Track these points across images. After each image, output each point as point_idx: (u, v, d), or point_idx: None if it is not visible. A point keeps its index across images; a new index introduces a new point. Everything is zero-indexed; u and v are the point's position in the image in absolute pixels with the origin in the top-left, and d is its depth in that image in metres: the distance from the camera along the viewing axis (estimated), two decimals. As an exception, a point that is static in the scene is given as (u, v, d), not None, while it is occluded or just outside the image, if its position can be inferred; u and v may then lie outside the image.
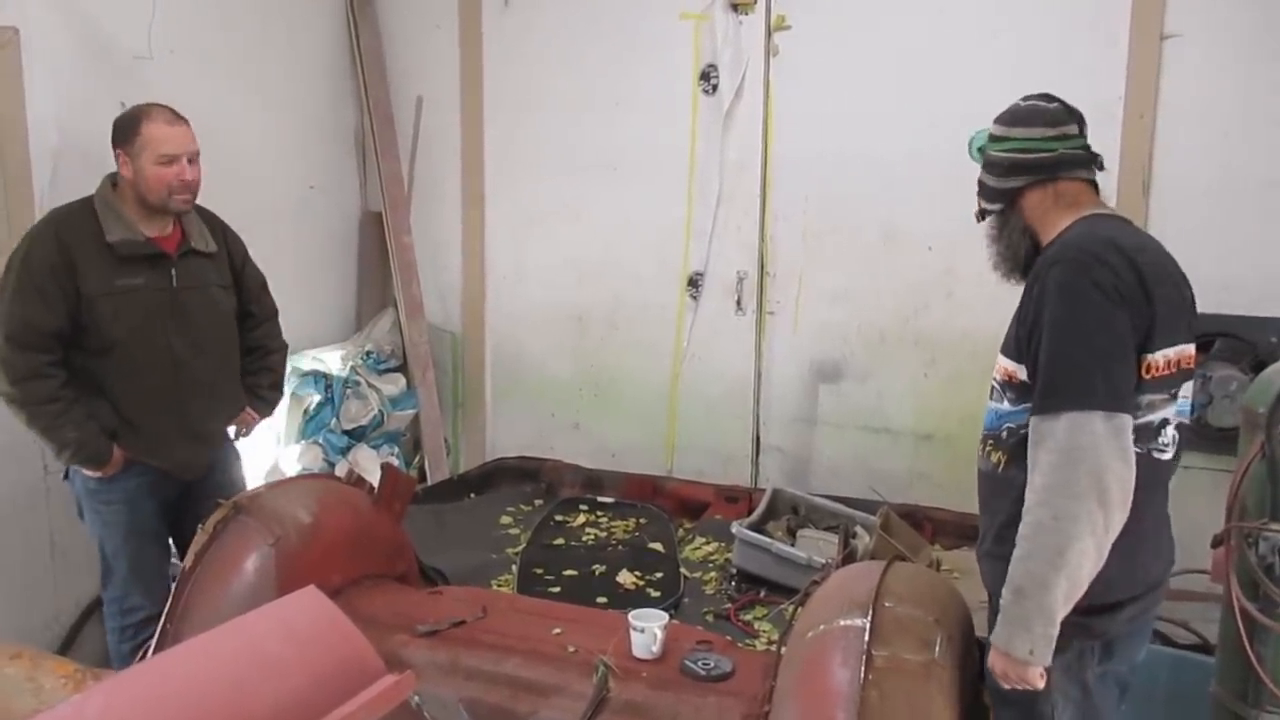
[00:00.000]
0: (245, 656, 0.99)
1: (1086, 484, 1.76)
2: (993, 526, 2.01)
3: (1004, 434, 1.98)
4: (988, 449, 2.04)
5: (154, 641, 2.47)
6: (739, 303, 4.32)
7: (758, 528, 3.44)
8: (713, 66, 4.23)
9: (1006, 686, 1.88)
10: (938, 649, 1.98)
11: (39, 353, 2.70)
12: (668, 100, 4.33)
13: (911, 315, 4.07)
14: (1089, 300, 1.83)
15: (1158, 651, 2.88)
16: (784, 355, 4.30)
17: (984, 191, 2.13)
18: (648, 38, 4.33)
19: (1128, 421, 1.80)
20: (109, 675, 1.19)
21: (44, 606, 3.36)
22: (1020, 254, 2.09)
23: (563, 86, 4.51)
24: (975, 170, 4.08)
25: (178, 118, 2.83)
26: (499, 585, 3.24)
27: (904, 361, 4.10)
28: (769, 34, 4.13)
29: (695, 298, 4.41)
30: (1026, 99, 2.13)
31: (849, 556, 2.61)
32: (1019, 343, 1.95)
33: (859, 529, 3.48)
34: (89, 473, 2.83)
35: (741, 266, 4.30)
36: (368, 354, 4.58)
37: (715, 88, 4.24)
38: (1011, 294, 4.17)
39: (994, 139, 2.11)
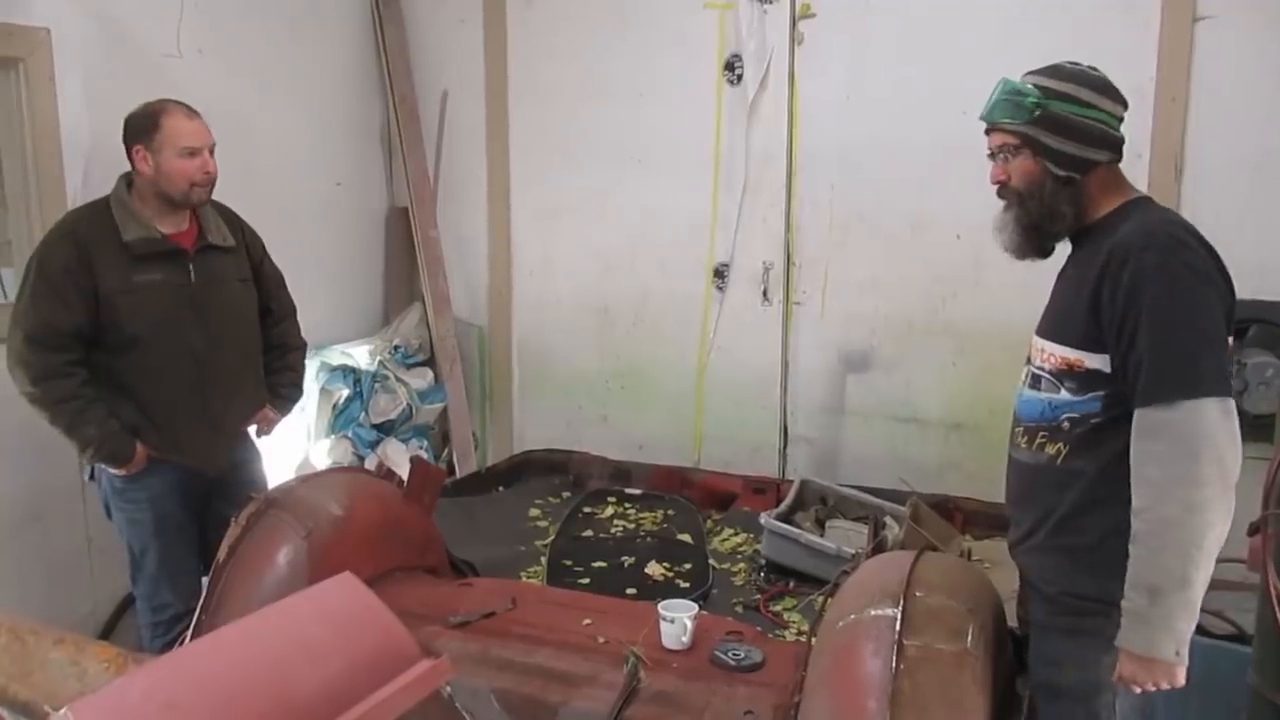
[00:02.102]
0: (285, 641, 1.00)
1: (1211, 472, 1.72)
2: (1047, 520, 1.97)
3: (1064, 425, 1.92)
4: (1039, 441, 1.97)
5: (189, 634, 2.50)
6: (765, 293, 4.30)
7: (786, 518, 3.43)
8: (737, 56, 4.22)
9: (1138, 690, 1.83)
10: (970, 638, 1.96)
11: (57, 352, 2.71)
12: (692, 91, 4.32)
13: (940, 304, 4.04)
14: (1188, 284, 1.79)
15: (1193, 641, 2.84)
16: (811, 345, 4.28)
17: (1050, 154, 1.93)
18: (672, 28, 4.32)
19: (1234, 404, 1.77)
20: (151, 659, 1.21)
21: (81, 601, 3.41)
22: (1063, 231, 2.00)
23: (587, 79, 4.51)
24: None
25: (194, 112, 2.85)
26: (528, 577, 3.25)
27: (932, 351, 4.07)
28: (794, 22, 4.11)
29: (721, 289, 4.40)
30: (1079, 65, 1.99)
31: (879, 546, 2.59)
32: (1088, 329, 1.88)
33: (889, 519, 3.46)
34: (114, 471, 2.85)
35: (767, 257, 4.29)
36: (395, 348, 4.61)
37: (740, 78, 4.22)
38: (1041, 281, 4.13)
39: (1075, 101, 1.93)
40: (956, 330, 4.02)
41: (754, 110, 4.22)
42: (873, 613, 1.99)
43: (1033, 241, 2.03)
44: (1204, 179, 3.53)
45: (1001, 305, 3.92)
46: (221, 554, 2.47)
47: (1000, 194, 2.04)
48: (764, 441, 4.40)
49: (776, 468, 4.36)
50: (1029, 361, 2.07)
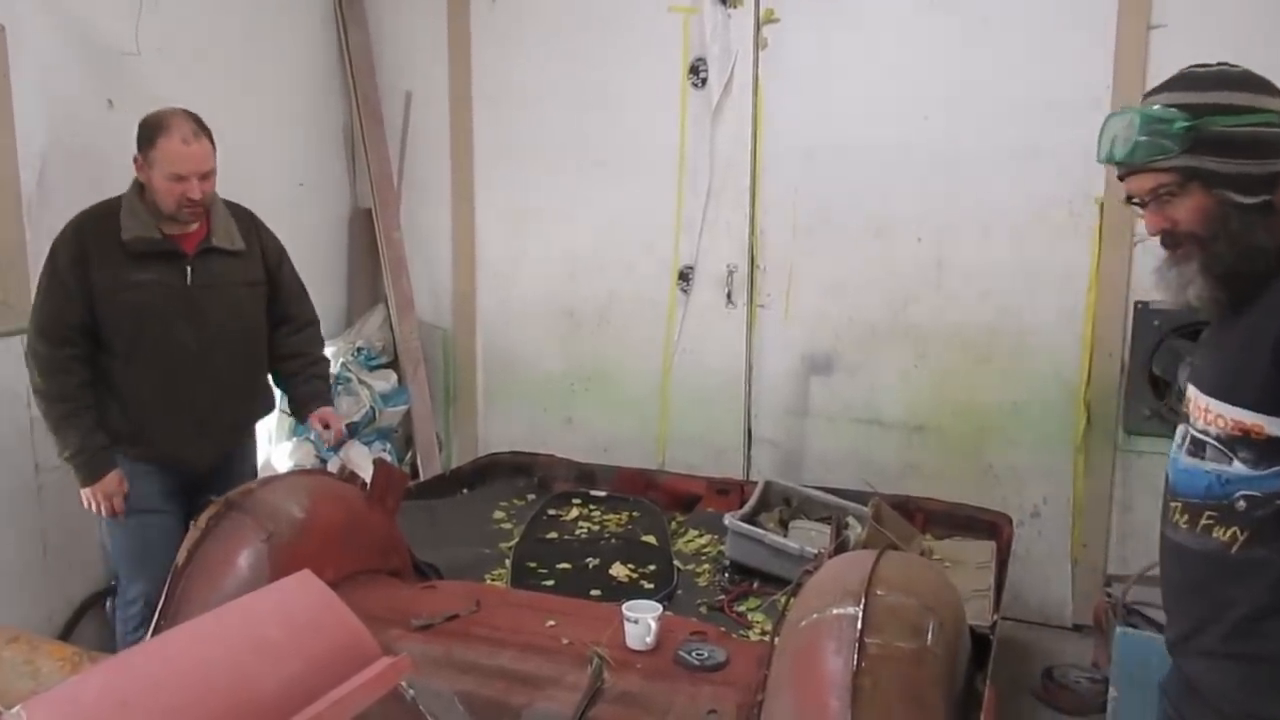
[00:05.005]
0: (242, 639, 1.00)
1: None
2: (1221, 619, 1.59)
3: (1239, 504, 1.55)
4: (1205, 522, 1.60)
5: (149, 637, 2.47)
6: (729, 296, 4.33)
7: (750, 519, 3.44)
8: (701, 60, 4.24)
9: None
10: (930, 636, 1.98)
11: (63, 345, 2.79)
12: (657, 94, 4.33)
13: (901, 307, 4.09)
14: None
15: (1155, 640, 2.90)
16: (775, 348, 4.31)
17: (1227, 181, 1.56)
18: (636, 32, 4.34)
19: None
20: (106, 658, 1.20)
21: (38, 605, 3.35)
22: (1265, 267, 1.57)
23: (552, 81, 4.51)
24: (964, 160, 4.09)
25: (195, 134, 2.80)
26: (492, 579, 3.24)
27: (894, 353, 4.12)
28: (758, 27, 4.14)
29: (686, 291, 4.41)
30: (1211, 65, 1.65)
31: (841, 546, 2.61)
32: (1271, 389, 1.52)
33: (851, 519, 3.49)
34: (81, 489, 2.84)
35: (732, 260, 4.31)
36: (359, 350, 4.58)
37: (704, 81, 4.24)
38: (1002, 285, 4.16)
39: (1231, 110, 1.56)
40: (918, 333, 4.07)
41: (718, 114, 4.25)
42: (834, 611, 2.01)
43: (1231, 289, 1.60)
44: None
45: (962, 308, 3.97)
46: (180, 557, 2.45)
47: (1166, 243, 1.65)
48: (728, 443, 4.42)
49: (741, 469, 4.38)
50: (1187, 419, 1.68)
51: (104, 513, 2.86)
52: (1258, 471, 1.53)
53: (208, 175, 2.84)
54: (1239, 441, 1.54)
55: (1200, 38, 3.48)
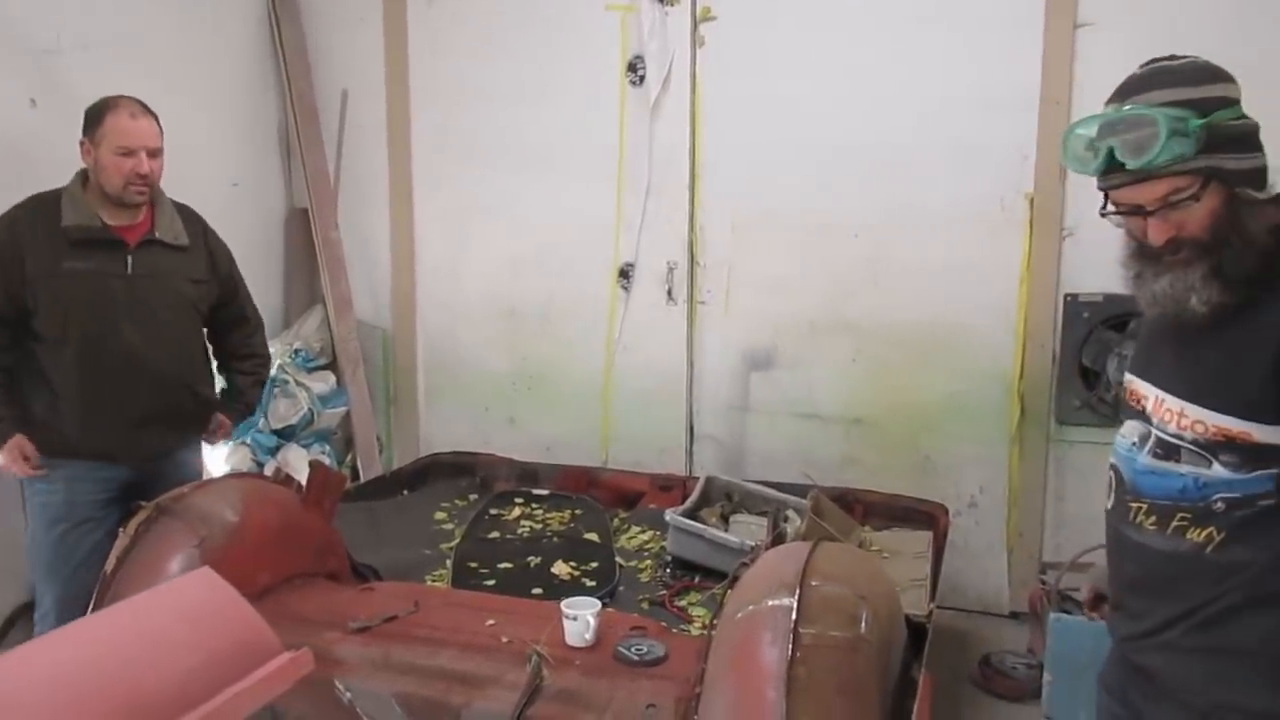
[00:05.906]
0: (135, 636, 0.98)
1: None
2: (1190, 616, 1.57)
3: (1217, 506, 1.52)
4: (1177, 524, 1.56)
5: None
6: (670, 293, 4.34)
7: (692, 515, 3.46)
8: (639, 58, 4.24)
9: None
10: (864, 625, 2.01)
11: None
12: (595, 92, 4.33)
13: (839, 303, 4.13)
14: None
15: (1088, 625, 2.96)
16: (715, 344, 4.34)
17: (1243, 178, 1.49)
18: (574, 29, 4.33)
19: None
20: (-12, 659, 1.17)
21: (-39, 618, 3.26)
22: (1273, 265, 1.50)
23: (490, 79, 4.48)
24: (899, 157, 4.14)
25: (143, 112, 2.85)
26: (434, 580, 3.21)
27: (832, 349, 4.16)
28: (695, 25, 4.15)
29: (626, 289, 4.42)
30: (1182, 59, 1.54)
31: (778, 539, 2.63)
32: (1265, 397, 1.47)
33: (790, 513, 3.52)
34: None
35: (672, 257, 4.33)
36: (296, 352, 4.52)
37: (642, 79, 4.25)
38: (935, 283, 4.21)
39: (1229, 102, 1.49)
40: (855, 328, 4.11)
41: (657, 111, 4.26)
42: (770, 603, 2.02)
43: (1240, 293, 1.50)
44: (1089, 179, 3.66)
45: (898, 303, 4.03)
46: (110, 564, 2.40)
47: (1164, 250, 1.54)
48: (671, 440, 4.43)
49: (683, 465, 4.40)
50: (1145, 419, 1.63)
51: (27, 471, 2.82)
52: (1239, 475, 1.50)
53: (156, 153, 2.85)
54: (1221, 446, 1.50)
55: (1123, 35, 3.56)
